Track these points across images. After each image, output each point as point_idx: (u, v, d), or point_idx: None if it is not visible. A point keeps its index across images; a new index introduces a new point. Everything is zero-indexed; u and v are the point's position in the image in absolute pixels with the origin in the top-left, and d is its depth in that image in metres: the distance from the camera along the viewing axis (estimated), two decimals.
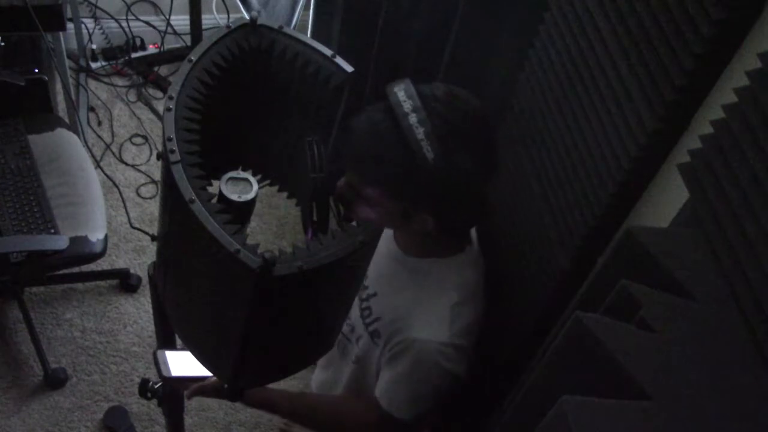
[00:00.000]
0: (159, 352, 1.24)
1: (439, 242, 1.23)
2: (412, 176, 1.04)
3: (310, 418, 1.38)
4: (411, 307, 1.23)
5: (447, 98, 1.06)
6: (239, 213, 0.90)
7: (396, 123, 1.03)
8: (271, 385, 1.25)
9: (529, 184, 1.30)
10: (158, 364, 1.24)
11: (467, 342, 1.22)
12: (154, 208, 2.69)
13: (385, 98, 1.06)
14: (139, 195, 2.72)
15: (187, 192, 0.82)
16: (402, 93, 1.05)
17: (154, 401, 1.47)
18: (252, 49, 0.97)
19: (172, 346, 1.28)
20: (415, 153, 1.02)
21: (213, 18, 3.07)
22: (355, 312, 1.33)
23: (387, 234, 1.29)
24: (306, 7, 2.24)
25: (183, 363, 1.24)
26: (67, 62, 2.42)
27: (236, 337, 0.92)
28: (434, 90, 1.07)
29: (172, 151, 0.84)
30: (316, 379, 1.53)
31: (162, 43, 3.13)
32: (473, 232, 1.31)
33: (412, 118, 1.02)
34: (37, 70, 2.33)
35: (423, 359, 1.20)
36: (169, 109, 0.87)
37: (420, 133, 1.02)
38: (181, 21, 3.09)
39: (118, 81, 3.06)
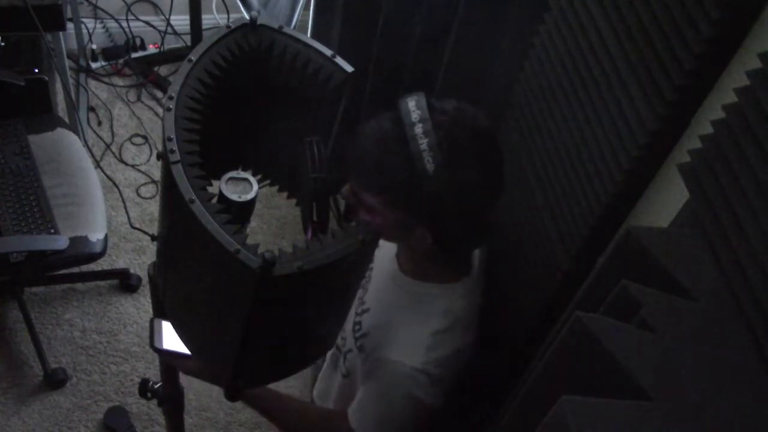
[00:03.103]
0: (155, 321, 1.22)
1: (437, 266, 1.22)
2: (412, 186, 1.04)
3: (287, 423, 1.38)
4: (394, 327, 1.22)
5: (455, 113, 1.06)
6: (239, 213, 0.90)
7: (401, 132, 1.03)
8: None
9: (530, 184, 1.30)
10: (152, 333, 1.22)
11: (443, 373, 1.18)
12: (154, 208, 2.69)
13: (396, 108, 1.06)
14: (139, 195, 2.72)
15: (187, 192, 0.82)
16: (412, 103, 1.04)
17: (154, 401, 1.47)
18: (252, 49, 0.97)
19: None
20: (417, 163, 1.02)
21: (213, 18, 3.07)
22: (348, 325, 1.33)
23: (390, 253, 1.29)
24: (306, 7, 2.24)
25: (177, 337, 1.22)
26: (67, 62, 2.42)
27: (236, 337, 0.92)
28: (444, 104, 1.06)
29: (172, 151, 0.84)
30: (316, 390, 1.53)
31: (162, 43, 3.13)
32: (475, 261, 1.29)
33: (418, 129, 1.02)
34: (37, 70, 2.33)
35: (393, 381, 1.18)
36: (169, 109, 0.87)
37: (423, 143, 1.02)
38: (181, 21, 3.09)
39: (118, 81, 3.06)
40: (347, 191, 1.11)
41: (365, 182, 1.09)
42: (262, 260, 0.78)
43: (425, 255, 1.18)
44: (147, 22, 3.11)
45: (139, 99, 3.01)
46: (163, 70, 3.13)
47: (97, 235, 2.00)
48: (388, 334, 1.22)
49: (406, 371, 1.16)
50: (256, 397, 1.32)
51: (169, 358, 1.27)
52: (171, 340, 1.22)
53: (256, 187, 0.93)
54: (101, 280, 2.45)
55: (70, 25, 2.63)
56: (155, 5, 3.11)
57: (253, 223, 2.61)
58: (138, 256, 2.55)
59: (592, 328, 0.77)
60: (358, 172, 1.10)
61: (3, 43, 2.32)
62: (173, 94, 0.88)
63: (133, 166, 2.80)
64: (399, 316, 1.24)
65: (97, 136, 2.85)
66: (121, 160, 2.81)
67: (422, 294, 1.24)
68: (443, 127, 1.03)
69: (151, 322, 1.23)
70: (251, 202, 0.93)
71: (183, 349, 1.20)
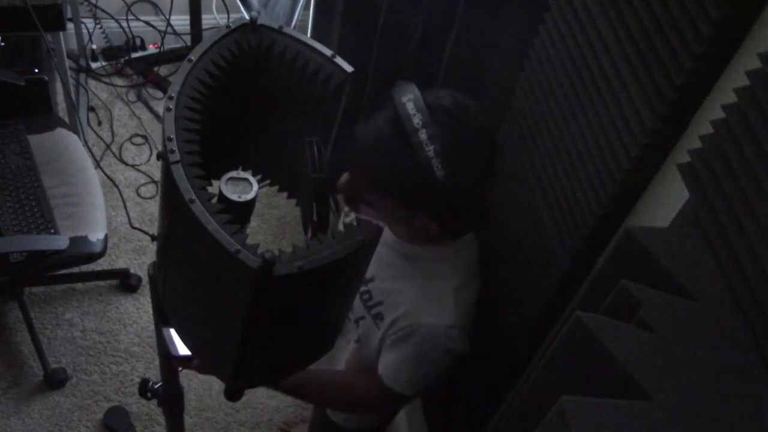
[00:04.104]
0: (165, 330, 1.23)
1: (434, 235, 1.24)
2: (421, 189, 1.06)
3: (311, 392, 1.40)
4: (414, 292, 1.26)
5: (455, 111, 1.06)
6: (239, 213, 0.90)
7: (405, 138, 1.04)
8: None
9: (529, 184, 1.30)
10: (166, 343, 1.23)
11: (470, 321, 1.26)
12: (154, 208, 2.69)
13: (391, 106, 1.06)
14: (139, 195, 2.72)
15: (187, 192, 0.82)
16: (411, 105, 1.04)
17: (154, 401, 1.47)
18: (252, 49, 0.97)
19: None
20: (425, 170, 1.03)
21: (213, 18, 3.07)
22: None
23: None
24: (306, 7, 2.24)
25: None
26: (67, 62, 2.42)
27: (236, 337, 0.92)
28: (441, 101, 1.07)
29: (172, 151, 0.84)
30: None
31: (162, 43, 3.13)
32: None
33: (422, 135, 1.03)
34: (37, 70, 2.33)
35: (430, 342, 1.23)
36: (169, 109, 0.87)
37: (430, 150, 1.02)
38: (181, 21, 3.09)
39: (118, 81, 3.06)
40: (345, 184, 1.12)
41: (371, 185, 1.10)
42: (262, 260, 0.78)
43: (429, 231, 1.20)
44: (147, 22, 3.11)
45: (139, 99, 3.01)
46: (163, 70, 3.13)
47: (97, 235, 2.00)
48: (409, 301, 1.26)
49: (442, 331, 1.22)
50: None
51: (187, 363, 1.28)
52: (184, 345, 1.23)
53: (256, 187, 0.94)
54: (101, 280, 2.45)
55: (70, 25, 2.63)
56: (155, 5, 3.11)
57: (253, 223, 2.62)
58: (138, 256, 2.55)
59: (592, 328, 0.77)
60: (361, 175, 1.10)
61: (3, 43, 2.32)
62: (173, 94, 0.88)
63: (133, 166, 2.80)
64: (412, 282, 1.28)
65: (97, 136, 2.85)
66: (121, 160, 2.81)
67: (427, 256, 1.28)
68: (447, 130, 1.04)
69: (160, 332, 1.23)
70: (251, 202, 0.93)
71: None
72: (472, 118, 1.08)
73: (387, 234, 1.30)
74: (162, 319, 1.22)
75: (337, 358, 1.45)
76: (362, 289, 1.34)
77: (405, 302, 1.27)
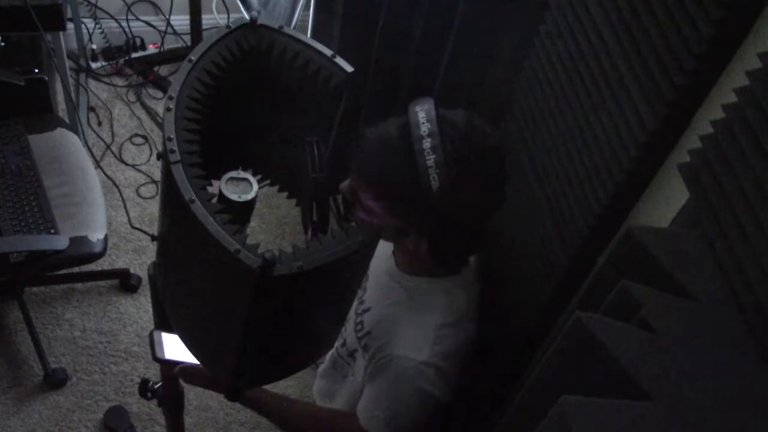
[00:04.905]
0: (155, 332, 1.23)
1: (433, 263, 1.22)
2: (413, 200, 1.04)
3: (294, 426, 1.38)
4: (396, 323, 1.22)
5: (465, 129, 1.05)
6: (239, 213, 0.90)
7: (409, 144, 1.03)
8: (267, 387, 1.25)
9: (529, 184, 1.30)
10: (152, 344, 1.23)
11: (449, 366, 1.19)
12: (154, 208, 2.69)
13: (405, 114, 1.06)
14: (139, 195, 2.72)
15: (187, 192, 0.82)
16: (423, 114, 1.04)
17: (154, 401, 1.48)
18: (252, 49, 0.97)
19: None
20: (421, 179, 1.02)
21: (213, 18, 3.07)
22: (350, 326, 1.33)
23: (387, 251, 1.29)
24: (306, 7, 2.24)
25: (178, 346, 1.23)
26: (67, 62, 2.42)
27: (236, 337, 0.92)
28: (455, 117, 1.06)
29: (172, 151, 0.84)
30: (316, 387, 1.53)
31: (162, 43, 3.13)
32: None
33: (426, 143, 1.02)
34: (37, 70, 2.33)
35: (401, 377, 1.18)
36: (169, 109, 0.87)
37: (431, 160, 1.01)
38: (181, 21, 3.09)
39: (118, 81, 3.06)
40: (346, 187, 1.12)
41: (366, 185, 1.09)
42: (262, 260, 0.78)
43: (420, 254, 1.18)
44: (147, 22, 3.11)
45: (139, 99, 3.01)
46: (163, 70, 3.13)
47: (97, 235, 2.00)
48: (391, 331, 1.22)
49: (413, 365, 1.16)
50: (261, 402, 1.32)
51: (170, 368, 1.28)
52: (171, 350, 1.23)
53: (256, 187, 0.94)
54: (101, 280, 2.45)
55: (70, 25, 2.63)
56: (155, 5, 3.11)
57: (253, 223, 2.62)
58: (138, 256, 2.54)
59: (592, 328, 0.77)
60: (361, 175, 1.10)
61: (3, 43, 2.32)
62: (173, 94, 0.89)
63: (133, 166, 2.80)
64: (400, 313, 1.24)
65: (97, 136, 2.85)
66: (121, 160, 2.81)
67: (421, 289, 1.24)
68: (452, 144, 1.03)
69: (151, 334, 1.23)
70: (251, 202, 0.93)
71: (184, 358, 1.20)
72: (481, 140, 1.07)
73: (390, 263, 1.29)
74: (161, 320, 1.22)
75: (335, 395, 1.42)
76: (357, 319, 1.32)
77: (386, 332, 1.23)
